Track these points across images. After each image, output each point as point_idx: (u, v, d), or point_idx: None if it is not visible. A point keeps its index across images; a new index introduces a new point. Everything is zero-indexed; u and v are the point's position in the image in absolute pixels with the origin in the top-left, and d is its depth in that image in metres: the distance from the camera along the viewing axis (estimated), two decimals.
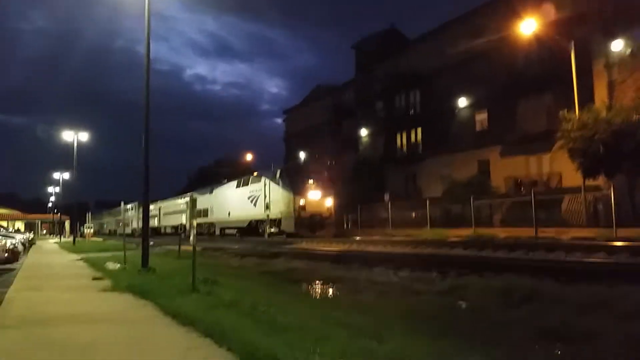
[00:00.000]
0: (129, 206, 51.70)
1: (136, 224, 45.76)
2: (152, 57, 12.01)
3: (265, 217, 28.55)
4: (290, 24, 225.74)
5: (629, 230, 16.01)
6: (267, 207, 28.44)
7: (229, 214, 33.81)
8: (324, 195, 28.20)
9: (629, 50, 23.91)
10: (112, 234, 61.74)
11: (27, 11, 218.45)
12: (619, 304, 5.52)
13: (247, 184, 31.94)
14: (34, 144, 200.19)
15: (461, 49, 33.87)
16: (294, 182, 27.72)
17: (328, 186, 29.13)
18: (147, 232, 12.11)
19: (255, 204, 30.02)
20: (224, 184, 36.89)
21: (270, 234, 28.09)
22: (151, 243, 13.35)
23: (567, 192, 24.22)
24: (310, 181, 28.17)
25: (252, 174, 33.68)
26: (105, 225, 72.44)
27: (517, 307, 5.86)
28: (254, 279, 9.47)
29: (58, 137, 35.84)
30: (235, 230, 32.82)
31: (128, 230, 50.81)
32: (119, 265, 12.49)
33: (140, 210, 12.86)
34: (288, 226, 26.94)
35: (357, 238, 23.42)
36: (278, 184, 27.93)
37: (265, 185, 29.01)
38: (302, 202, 26.90)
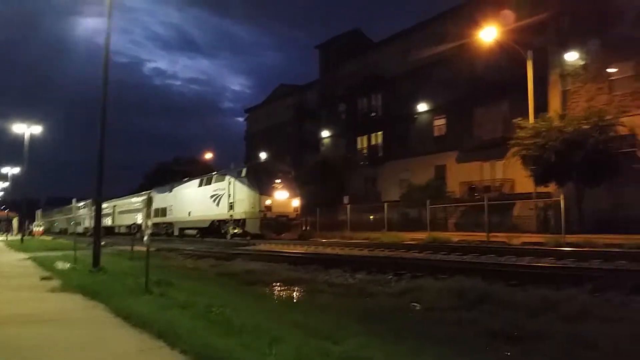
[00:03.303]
0: (81, 204, 50.27)
1: (89, 222, 44.46)
2: (111, 49, 11.68)
3: (229, 217, 27.56)
4: (257, 20, 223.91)
5: (577, 236, 16.65)
6: (231, 206, 27.42)
7: (189, 213, 32.53)
8: (291, 196, 27.26)
9: (582, 62, 24.87)
10: (63, 232, 59.69)
11: None
12: (566, 306, 5.73)
13: (210, 182, 30.67)
14: None
15: (423, 54, 34.55)
16: (260, 181, 26.62)
17: (295, 186, 28.24)
18: (99, 231, 11.75)
19: (218, 204, 28.90)
20: (185, 182, 35.49)
21: (234, 235, 27.04)
22: (103, 243, 12.97)
23: (519, 198, 24.99)
24: (278, 181, 27.11)
25: (216, 172, 32.40)
26: (56, 224, 69.94)
27: (469, 309, 6.00)
28: (210, 281, 9.33)
29: (8, 130, 34.27)
30: (196, 230, 31.64)
31: (80, 229, 49.38)
32: (69, 264, 12.07)
33: (93, 208, 12.47)
34: (253, 227, 25.93)
35: (316, 240, 23.46)
36: (243, 183, 26.86)
37: (229, 183, 27.92)
38: (268, 202, 25.89)
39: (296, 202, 27.52)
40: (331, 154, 43.23)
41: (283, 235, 25.84)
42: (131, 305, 5.93)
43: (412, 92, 36.21)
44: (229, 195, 27.69)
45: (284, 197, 26.76)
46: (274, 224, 26.00)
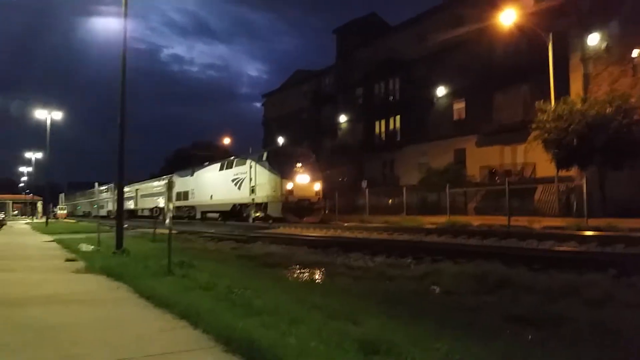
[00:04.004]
0: (103, 187, 51.19)
1: (111, 206, 45.23)
2: (128, 36, 11.77)
3: (251, 201, 27.54)
4: (273, 6, 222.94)
5: (599, 220, 16.42)
6: (253, 190, 27.34)
7: (211, 197, 32.72)
8: (313, 180, 27.03)
9: (604, 45, 24.29)
10: (86, 215, 60.86)
11: None
12: (588, 291, 5.67)
13: (231, 166, 30.65)
14: (5, 123, 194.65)
15: (441, 38, 34.01)
16: (281, 164, 26.46)
17: (317, 170, 27.99)
18: (122, 214, 11.95)
19: (239, 187, 28.87)
20: (206, 165, 35.52)
21: (256, 219, 27.06)
22: (126, 225, 13.18)
23: (540, 182, 24.69)
24: (299, 164, 26.88)
25: (237, 156, 32.33)
26: (79, 207, 71.30)
27: (489, 293, 5.98)
28: (231, 263, 9.44)
29: (31, 116, 34.89)
30: (218, 214, 31.80)
31: (103, 212, 50.32)
32: (92, 247, 12.32)
33: (116, 192, 12.66)
34: (275, 211, 25.85)
35: (335, 224, 23.52)
36: (265, 167, 26.73)
37: (251, 167, 27.83)
38: (289, 185, 25.72)
39: (318, 186, 27.32)
40: (349, 138, 43.12)
41: (305, 219, 25.73)
42: (154, 286, 6.04)
43: (429, 76, 35.77)
44: (251, 179, 27.67)
45: (305, 181, 26.59)
46: (295, 208, 25.90)
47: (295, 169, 26.56)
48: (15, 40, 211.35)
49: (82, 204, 68.72)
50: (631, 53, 23.38)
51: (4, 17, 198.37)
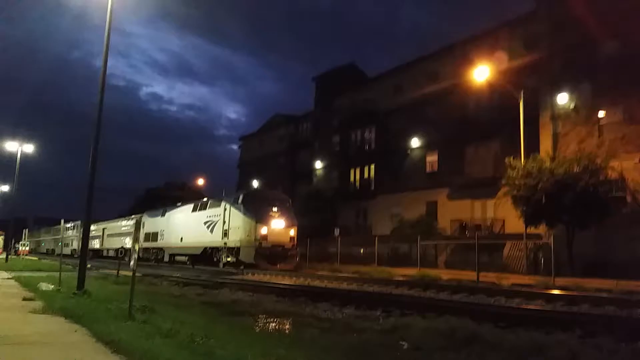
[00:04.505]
0: (69, 225, 49.86)
1: (76, 244, 43.97)
2: (108, 72, 11.79)
3: (222, 245, 26.61)
4: (255, 51, 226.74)
5: (567, 279, 16.60)
6: (226, 234, 26.45)
7: (181, 239, 31.53)
8: (288, 225, 26.37)
9: (572, 105, 25.28)
10: (50, 253, 58.90)
11: None
12: (555, 351, 5.67)
13: (205, 208, 29.78)
14: None
15: (417, 91, 35.09)
16: (257, 208, 25.77)
17: (292, 215, 27.32)
18: (86, 253, 11.59)
19: (212, 230, 28.00)
20: (179, 206, 34.55)
21: (227, 264, 26.08)
22: (89, 265, 12.79)
23: (509, 238, 24.98)
24: (275, 209, 26.23)
25: (211, 198, 31.50)
26: (43, 244, 69.07)
27: (457, 350, 5.91)
28: (195, 309, 9.18)
29: (1, 148, 34.05)
30: (187, 257, 30.63)
31: (68, 251, 48.76)
32: (53, 286, 11.86)
33: (82, 230, 12.33)
34: (247, 256, 25.01)
35: (305, 272, 23.21)
36: (239, 210, 26.00)
37: (225, 210, 27.04)
38: (264, 230, 25.01)
39: (293, 232, 26.65)
40: (324, 185, 43.27)
41: (279, 265, 24.92)
42: (114, 331, 5.82)
43: (405, 127, 36.56)
44: (224, 222, 26.83)
45: (281, 226, 25.95)
46: (269, 254, 25.09)
47: (271, 213, 25.94)
48: None
49: (47, 240, 66.65)
50: (598, 114, 24.38)
51: None
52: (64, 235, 48.14)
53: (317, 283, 16.95)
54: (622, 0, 24.23)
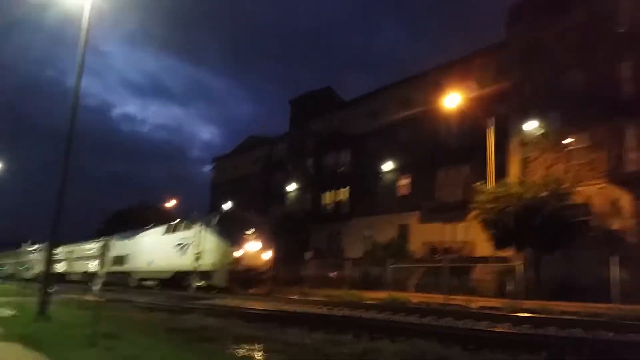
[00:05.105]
0: (32, 247, 48.35)
1: (39, 268, 42.51)
2: (80, 92, 11.64)
3: (194, 269, 25.50)
4: (231, 72, 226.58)
5: (534, 302, 16.82)
6: (198, 257, 25.35)
7: (150, 262, 30.25)
8: (264, 248, 25.45)
9: (541, 131, 26.03)
10: (12, 277, 56.85)
11: None
12: None
13: (177, 230, 28.54)
14: None
15: (390, 115, 35.69)
16: (232, 230, 24.82)
17: (268, 238, 26.34)
18: (48, 277, 11.27)
19: (183, 253, 26.78)
20: (149, 228, 33.15)
21: (198, 288, 25.04)
22: (53, 290, 12.40)
23: (478, 261, 25.29)
24: (250, 231, 25.28)
25: (184, 219, 29.98)
26: (4, 267, 66.69)
27: None
28: (162, 336, 8.97)
29: None
30: (156, 282, 29.37)
31: (30, 275, 47.17)
32: (12, 312, 11.46)
33: (45, 253, 12.01)
34: (220, 280, 24.06)
35: (275, 296, 22.95)
36: (214, 232, 25.06)
37: (199, 232, 25.98)
38: (238, 253, 24.08)
39: (268, 255, 25.84)
40: (297, 207, 43.22)
41: (252, 290, 24.27)
42: (76, 358, 5.66)
43: (378, 151, 37.01)
44: (197, 245, 25.81)
45: (255, 249, 25.07)
46: (243, 278, 24.23)
47: (246, 235, 25.06)
48: None
49: (8, 264, 64.38)
50: (565, 140, 25.14)
51: None
52: (27, 259, 46.70)
53: (287, 307, 16.77)
54: (589, 31, 25.28)
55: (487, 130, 23.82)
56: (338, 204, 40.79)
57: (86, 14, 11.76)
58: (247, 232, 25.29)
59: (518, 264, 19.27)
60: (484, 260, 24.14)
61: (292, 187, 45.90)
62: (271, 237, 26.91)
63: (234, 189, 53.02)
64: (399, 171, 35.77)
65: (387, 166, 36.52)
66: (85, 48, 11.60)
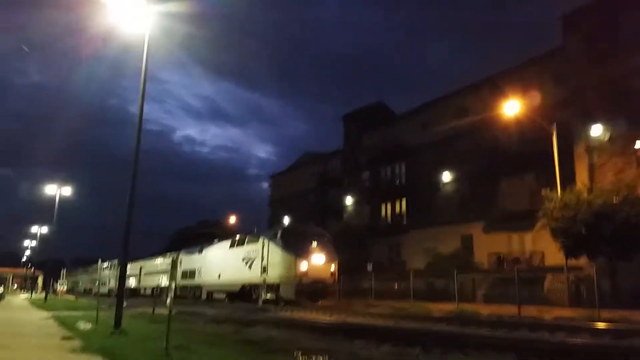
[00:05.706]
0: (106, 264, 50.66)
1: (113, 283, 44.46)
2: (143, 117, 12.16)
3: (261, 282, 25.69)
4: (285, 94, 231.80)
5: (611, 312, 15.92)
6: (264, 270, 25.62)
7: (219, 276, 30.88)
8: (328, 260, 25.40)
9: (607, 136, 24.78)
10: (87, 292, 59.81)
11: (23, 66, 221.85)
12: None
13: (243, 244, 29.01)
14: (12, 196, 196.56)
15: (445, 126, 35.01)
16: (296, 243, 24.92)
17: (332, 250, 26.38)
18: (122, 292, 11.74)
19: (250, 267, 27.16)
20: (216, 243, 34.04)
21: (266, 301, 25.18)
22: (125, 304, 12.91)
23: (549, 270, 24.25)
24: (314, 244, 25.41)
25: (249, 234, 30.64)
26: (80, 283, 70.28)
27: None
28: (231, 347, 9.11)
29: (40, 191, 35.42)
30: (225, 294, 30.03)
31: (104, 290, 49.44)
32: (90, 325, 12.01)
33: (118, 269, 12.53)
34: (287, 293, 24.18)
35: (339, 308, 22.86)
36: (278, 245, 25.22)
37: (263, 246, 26.26)
38: (304, 266, 24.11)
39: (333, 267, 25.72)
40: (355, 221, 43.04)
41: (320, 302, 24.21)
42: None
43: (435, 162, 36.37)
44: (263, 258, 26.07)
45: (321, 262, 25.02)
46: (310, 290, 24.26)
47: (310, 248, 25.11)
48: (33, 117, 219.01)
49: (84, 280, 67.82)
50: (634, 144, 23.80)
51: (25, 95, 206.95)
52: (101, 275, 48.91)
53: (352, 319, 16.65)
54: None
55: (552, 137, 22.88)
56: (396, 216, 40.31)
57: (146, 44, 12.30)
58: (312, 245, 25.35)
59: (592, 273, 18.27)
60: (555, 269, 23.07)
61: (349, 201, 45.79)
62: (333, 250, 26.84)
63: (291, 204, 53.59)
64: (458, 181, 34.97)
65: (445, 176, 35.78)
66: (145, 76, 12.14)
